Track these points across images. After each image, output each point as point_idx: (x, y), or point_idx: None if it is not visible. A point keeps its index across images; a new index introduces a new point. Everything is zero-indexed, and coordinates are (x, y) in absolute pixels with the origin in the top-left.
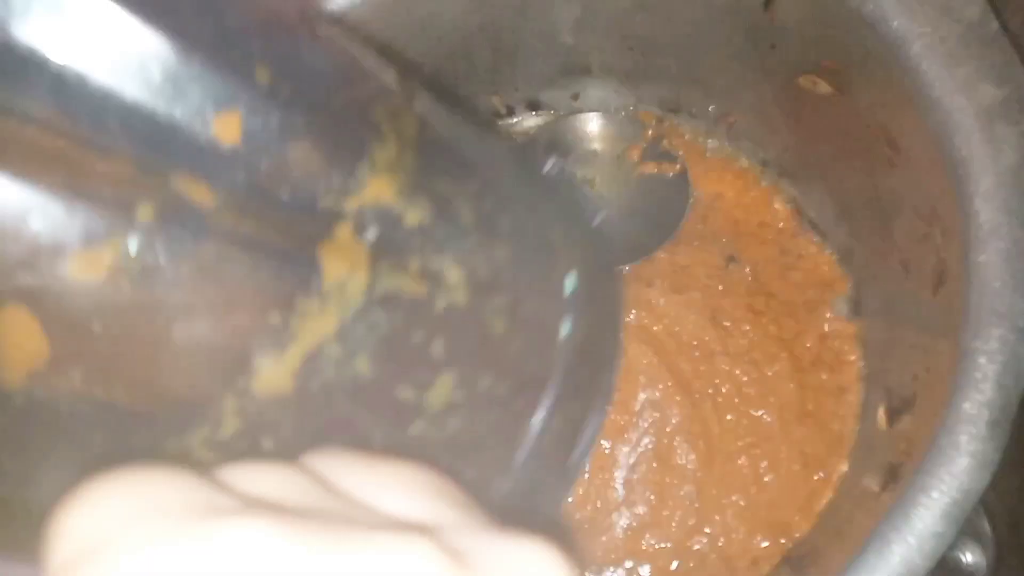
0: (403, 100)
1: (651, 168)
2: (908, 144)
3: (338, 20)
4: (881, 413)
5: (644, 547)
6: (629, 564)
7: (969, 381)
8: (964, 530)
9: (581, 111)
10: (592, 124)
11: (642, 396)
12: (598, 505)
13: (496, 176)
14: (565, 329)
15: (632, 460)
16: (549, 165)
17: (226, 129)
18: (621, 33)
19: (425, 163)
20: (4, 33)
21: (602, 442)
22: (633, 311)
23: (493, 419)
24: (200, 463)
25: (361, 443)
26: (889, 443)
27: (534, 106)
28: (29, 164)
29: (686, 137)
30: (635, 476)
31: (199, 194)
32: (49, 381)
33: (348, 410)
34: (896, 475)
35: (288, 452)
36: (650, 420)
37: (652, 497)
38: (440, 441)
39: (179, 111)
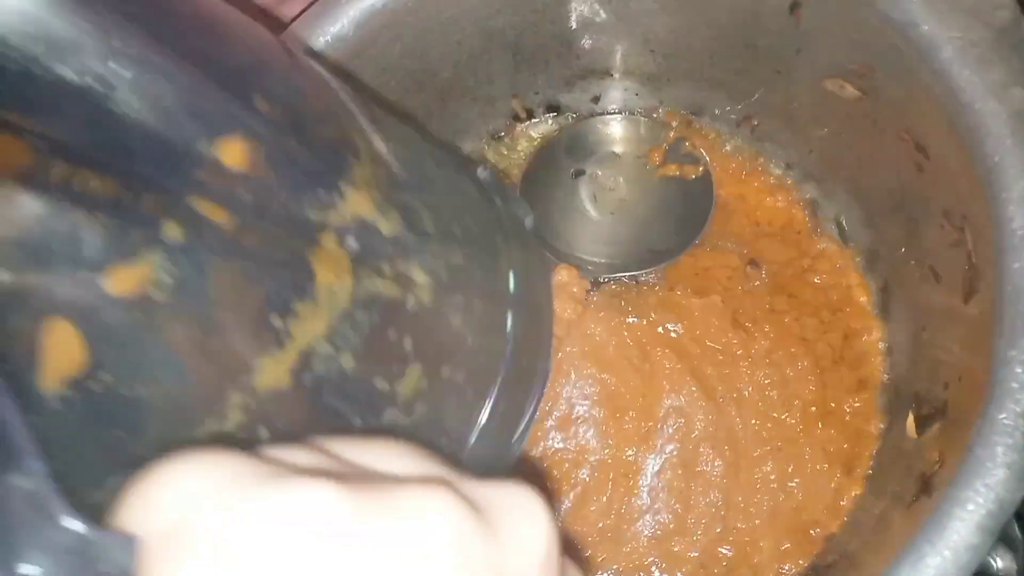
0: (370, 120)
1: (673, 170)
2: (937, 148)
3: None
4: (910, 421)
5: (669, 556)
6: (655, 573)
7: (1005, 391)
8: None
9: (601, 114)
10: (613, 126)
11: (666, 402)
12: (622, 512)
13: (448, 191)
14: (510, 322)
15: (656, 467)
16: (481, 173)
17: (233, 154)
18: (643, 36)
19: (394, 179)
20: (47, 71)
21: (626, 450)
22: (655, 316)
23: (452, 404)
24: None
25: (344, 430)
26: (919, 451)
27: (554, 109)
28: (69, 190)
29: (709, 138)
30: (659, 483)
31: (214, 213)
32: (83, 385)
33: (334, 401)
34: (929, 485)
35: (281, 441)
36: (674, 426)
37: (677, 505)
38: (406, 426)
39: (191, 136)
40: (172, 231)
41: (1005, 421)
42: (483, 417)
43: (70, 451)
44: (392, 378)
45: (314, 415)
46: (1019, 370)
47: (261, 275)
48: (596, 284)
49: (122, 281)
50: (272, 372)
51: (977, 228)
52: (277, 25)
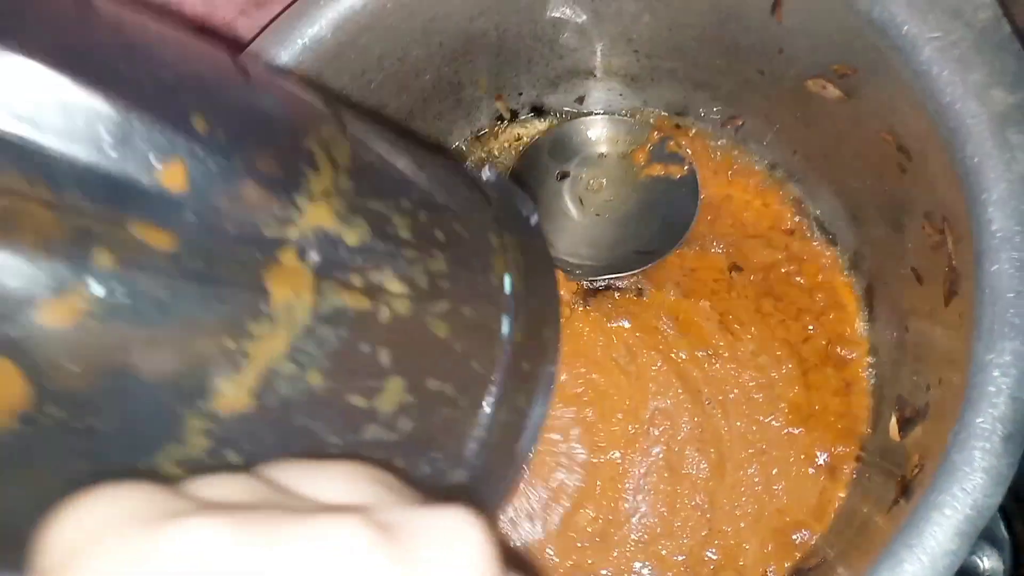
0: (334, 128)
1: (658, 170)
2: (919, 150)
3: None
4: (893, 423)
5: (657, 559)
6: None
7: (982, 395)
8: (981, 535)
9: (586, 115)
10: (597, 127)
11: (652, 405)
12: (609, 518)
13: (429, 193)
14: (506, 327)
15: (643, 470)
16: (485, 172)
17: (172, 177)
18: (625, 37)
19: (360, 186)
20: None
21: (613, 452)
22: (641, 318)
23: (443, 417)
24: (173, 480)
25: (320, 449)
26: (901, 455)
27: (538, 110)
28: (5, 227)
29: (694, 139)
30: (646, 486)
31: (155, 238)
32: (32, 418)
33: (305, 420)
34: (908, 489)
35: (254, 463)
36: (660, 429)
37: (663, 508)
38: (394, 442)
39: (126, 164)
40: (104, 260)
41: (983, 425)
42: (482, 425)
43: (27, 483)
44: (370, 394)
45: (285, 435)
46: (996, 374)
47: (210, 297)
48: (582, 286)
49: (55, 314)
50: (232, 395)
51: (957, 230)
52: (234, 44)
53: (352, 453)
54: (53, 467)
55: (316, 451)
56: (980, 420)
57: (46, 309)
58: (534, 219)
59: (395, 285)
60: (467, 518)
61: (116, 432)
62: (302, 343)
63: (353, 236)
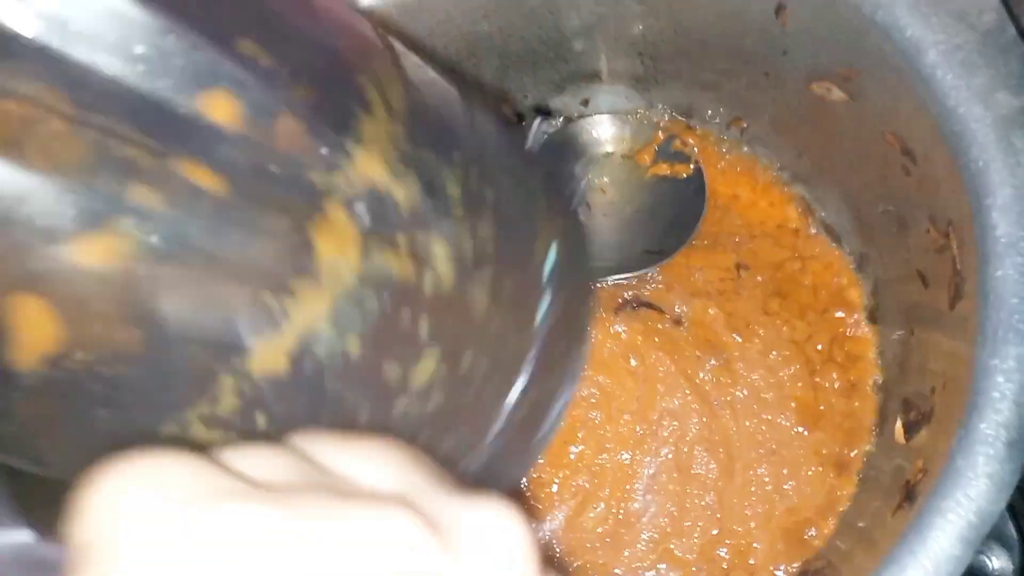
0: (390, 65)
1: (664, 169)
2: (923, 153)
3: None
4: (899, 426)
5: (669, 558)
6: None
7: (987, 401)
8: (990, 535)
9: (592, 115)
10: (603, 126)
11: (661, 406)
12: (620, 518)
13: (481, 147)
14: (543, 307)
15: (652, 471)
16: (535, 128)
17: (220, 109)
18: (630, 39)
19: (412, 135)
20: None
21: (622, 454)
22: (649, 318)
23: (472, 395)
24: (199, 439)
25: (349, 419)
26: (906, 458)
27: (544, 112)
28: (29, 149)
29: (700, 139)
30: (655, 487)
31: (200, 176)
32: (62, 362)
33: (338, 389)
34: (912, 493)
35: (281, 428)
36: (670, 430)
37: (673, 508)
38: (421, 416)
39: (169, 88)
40: (145, 197)
41: (986, 431)
42: (508, 406)
43: (52, 431)
44: (405, 364)
45: (316, 402)
46: (1000, 379)
47: (253, 247)
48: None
49: (91, 251)
50: (268, 355)
51: (962, 234)
52: None
53: (380, 424)
54: (83, 418)
55: (345, 419)
56: (984, 425)
57: (78, 244)
58: (576, 199)
59: (441, 248)
60: (509, 513)
61: (147, 385)
62: (345, 306)
63: (404, 191)
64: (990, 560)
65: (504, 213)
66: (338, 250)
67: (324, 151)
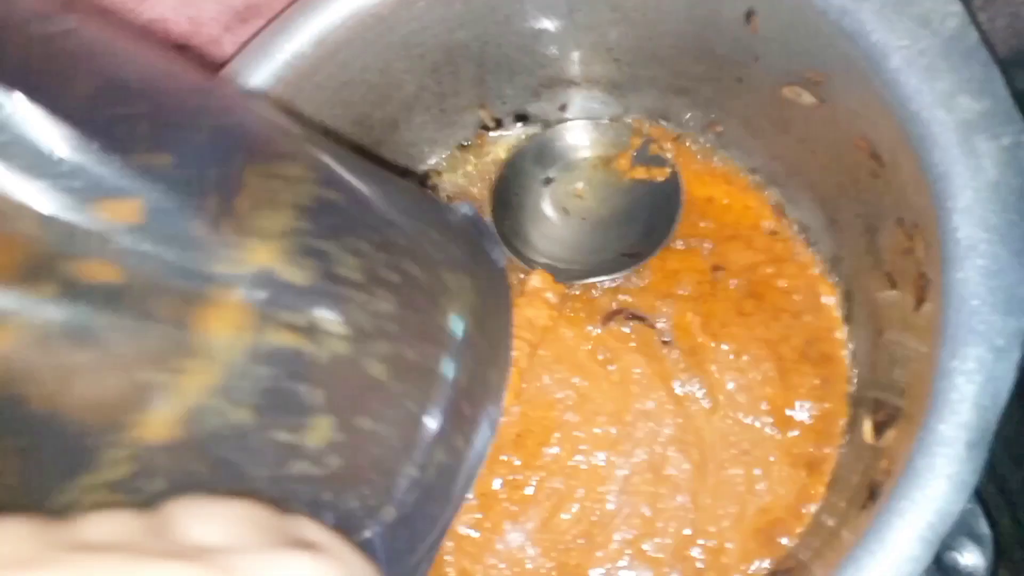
0: (301, 165)
1: (641, 173)
2: (890, 156)
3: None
4: (868, 426)
5: (642, 558)
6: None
7: (946, 402)
8: (961, 531)
9: (569, 120)
10: (580, 133)
11: (636, 407)
12: (592, 519)
13: (392, 229)
14: (449, 369)
15: (626, 472)
16: (462, 210)
17: (126, 211)
18: (605, 45)
19: (317, 227)
20: None
21: (596, 455)
22: (624, 320)
23: (373, 455)
24: (99, 503)
25: (245, 481)
26: (874, 458)
27: (521, 118)
28: None
29: (675, 144)
30: (629, 488)
31: (101, 272)
32: None
33: (231, 454)
34: (876, 494)
35: (181, 490)
36: (644, 431)
37: (646, 509)
38: (321, 476)
39: (78, 196)
40: (47, 290)
41: (946, 432)
42: (413, 466)
43: None
44: (298, 431)
45: (213, 467)
46: (960, 380)
47: (143, 330)
48: (568, 289)
49: None
50: (159, 427)
51: (926, 237)
52: (218, 61)
53: (278, 486)
54: None
55: (242, 481)
56: (943, 427)
57: None
58: (501, 263)
59: (337, 327)
60: (309, 563)
61: (42, 455)
62: (235, 380)
63: (301, 276)
64: (962, 556)
65: (407, 291)
66: (229, 329)
67: (225, 246)
